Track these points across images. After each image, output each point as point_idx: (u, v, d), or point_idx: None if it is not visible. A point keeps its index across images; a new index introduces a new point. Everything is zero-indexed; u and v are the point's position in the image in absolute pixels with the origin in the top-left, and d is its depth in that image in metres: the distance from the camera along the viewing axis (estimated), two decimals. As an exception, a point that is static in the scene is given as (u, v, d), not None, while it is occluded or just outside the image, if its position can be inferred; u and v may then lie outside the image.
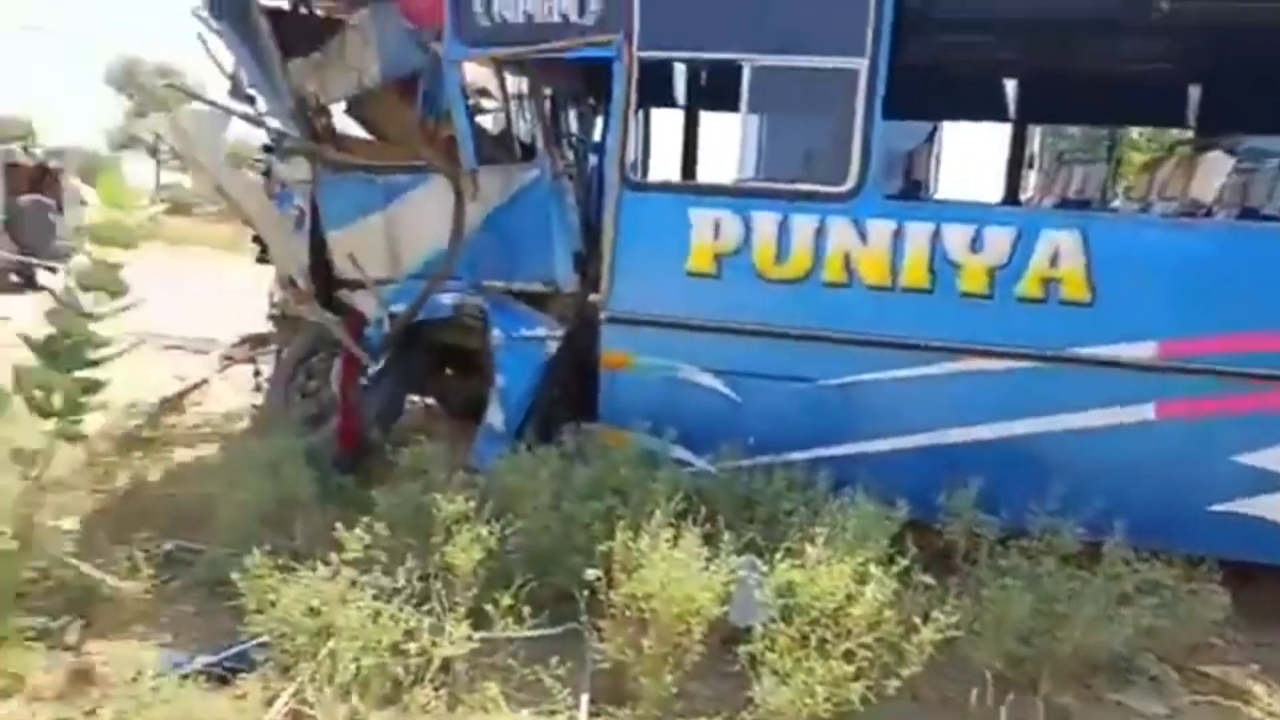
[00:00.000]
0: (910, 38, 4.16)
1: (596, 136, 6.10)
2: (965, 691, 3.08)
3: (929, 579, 3.19)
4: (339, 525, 3.16)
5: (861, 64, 4.07)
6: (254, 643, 3.14)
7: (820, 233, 4.17)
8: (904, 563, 3.03)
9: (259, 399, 6.21)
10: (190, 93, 4.54)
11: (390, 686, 2.73)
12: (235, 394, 6.77)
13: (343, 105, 5.35)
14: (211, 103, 4.92)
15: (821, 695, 2.64)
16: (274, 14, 5.01)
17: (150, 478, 5.11)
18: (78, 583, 3.35)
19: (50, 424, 2.92)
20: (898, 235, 4.13)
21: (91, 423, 2.99)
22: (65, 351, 2.82)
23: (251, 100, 5.14)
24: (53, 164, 12.89)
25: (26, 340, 2.86)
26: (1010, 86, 6.39)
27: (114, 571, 3.32)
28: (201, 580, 3.77)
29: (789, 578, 2.87)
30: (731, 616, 3.15)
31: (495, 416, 4.74)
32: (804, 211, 4.20)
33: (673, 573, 2.73)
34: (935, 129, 6.78)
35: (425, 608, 2.94)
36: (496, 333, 4.74)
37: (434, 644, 2.73)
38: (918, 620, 2.90)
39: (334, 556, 2.97)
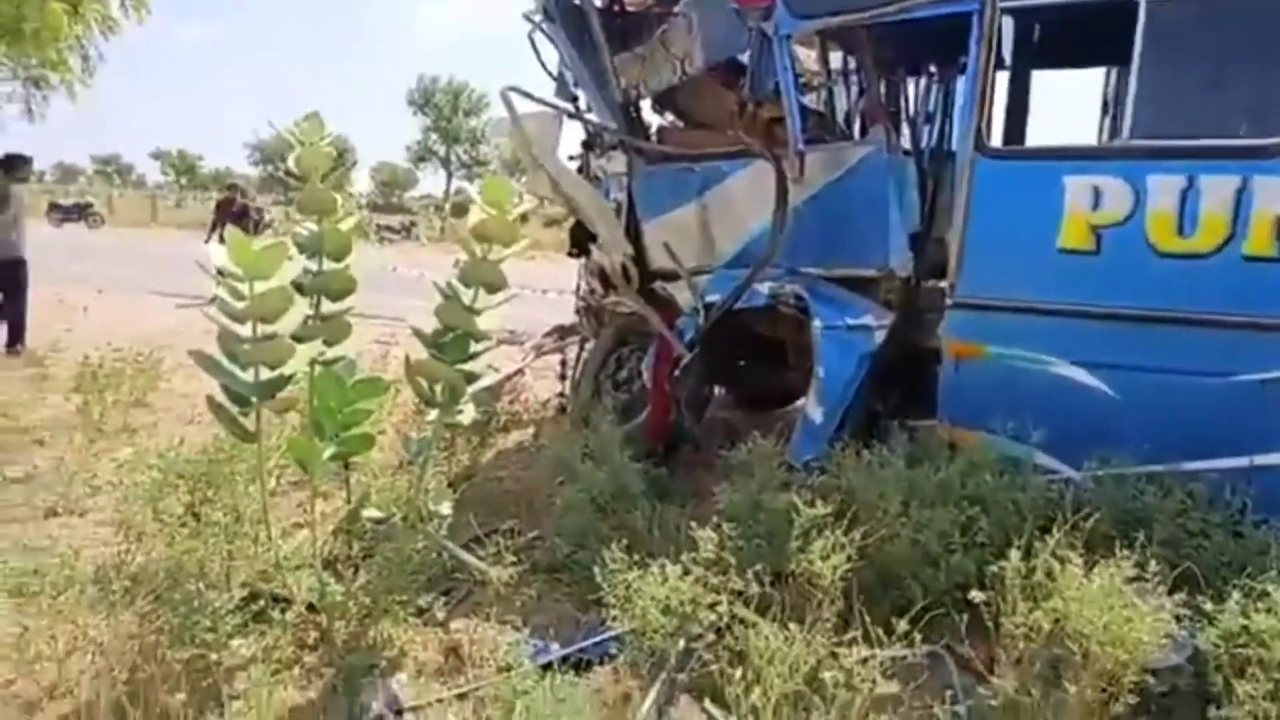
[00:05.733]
0: None
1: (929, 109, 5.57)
2: None
3: None
4: (693, 524, 3.13)
5: None
6: (610, 635, 3.17)
7: (1241, 195, 3.47)
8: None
9: (565, 388, 6.44)
10: (529, 95, 4.68)
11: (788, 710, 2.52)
12: (541, 382, 7.09)
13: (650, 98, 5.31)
14: (546, 103, 5.07)
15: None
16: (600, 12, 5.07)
17: (482, 460, 5.45)
18: (449, 564, 3.54)
19: (433, 414, 3.08)
20: None
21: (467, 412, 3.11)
22: (450, 344, 2.95)
23: (575, 99, 5.26)
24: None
25: (418, 333, 3.03)
26: None
27: (480, 556, 3.47)
28: (543, 566, 3.88)
29: (1250, 623, 2.31)
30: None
31: (815, 410, 4.45)
32: (1218, 171, 3.51)
33: (1105, 608, 2.29)
34: None
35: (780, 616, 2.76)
36: (817, 323, 4.45)
37: (837, 665, 2.48)
38: None
39: (684, 556, 2.93)
